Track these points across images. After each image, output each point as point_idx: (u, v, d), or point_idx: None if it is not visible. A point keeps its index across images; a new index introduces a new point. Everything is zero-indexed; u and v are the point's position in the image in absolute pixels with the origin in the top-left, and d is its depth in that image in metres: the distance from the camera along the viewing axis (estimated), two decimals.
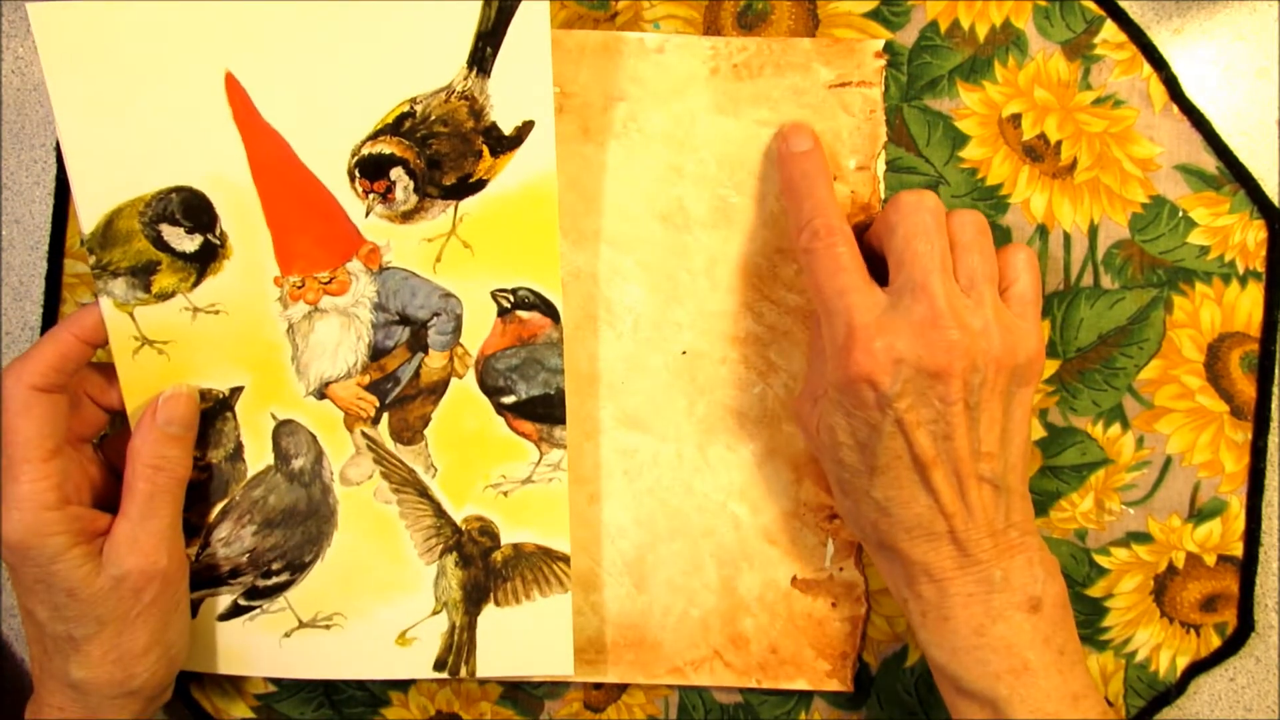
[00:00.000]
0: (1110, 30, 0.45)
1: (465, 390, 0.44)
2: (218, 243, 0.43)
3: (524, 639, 0.45)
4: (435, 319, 0.44)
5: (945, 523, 0.39)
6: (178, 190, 0.42)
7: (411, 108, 0.42)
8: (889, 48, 0.45)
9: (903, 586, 0.40)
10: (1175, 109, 0.45)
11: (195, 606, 0.45)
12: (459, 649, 0.45)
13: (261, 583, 0.45)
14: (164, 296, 0.43)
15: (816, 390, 0.42)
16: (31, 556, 0.39)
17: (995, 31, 0.45)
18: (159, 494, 0.41)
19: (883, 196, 0.45)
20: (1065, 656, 0.39)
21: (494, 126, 0.42)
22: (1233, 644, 0.47)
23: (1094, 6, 0.45)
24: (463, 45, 0.41)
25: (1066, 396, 0.46)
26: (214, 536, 0.45)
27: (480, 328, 0.44)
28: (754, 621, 0.47)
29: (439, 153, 0.42)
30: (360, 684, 0.48)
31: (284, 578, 0.45)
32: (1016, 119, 0.46)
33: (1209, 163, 0.45)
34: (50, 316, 0.47)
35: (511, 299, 0.44)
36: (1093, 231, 0.46)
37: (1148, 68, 0.45)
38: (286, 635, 0.46)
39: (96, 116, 0.41)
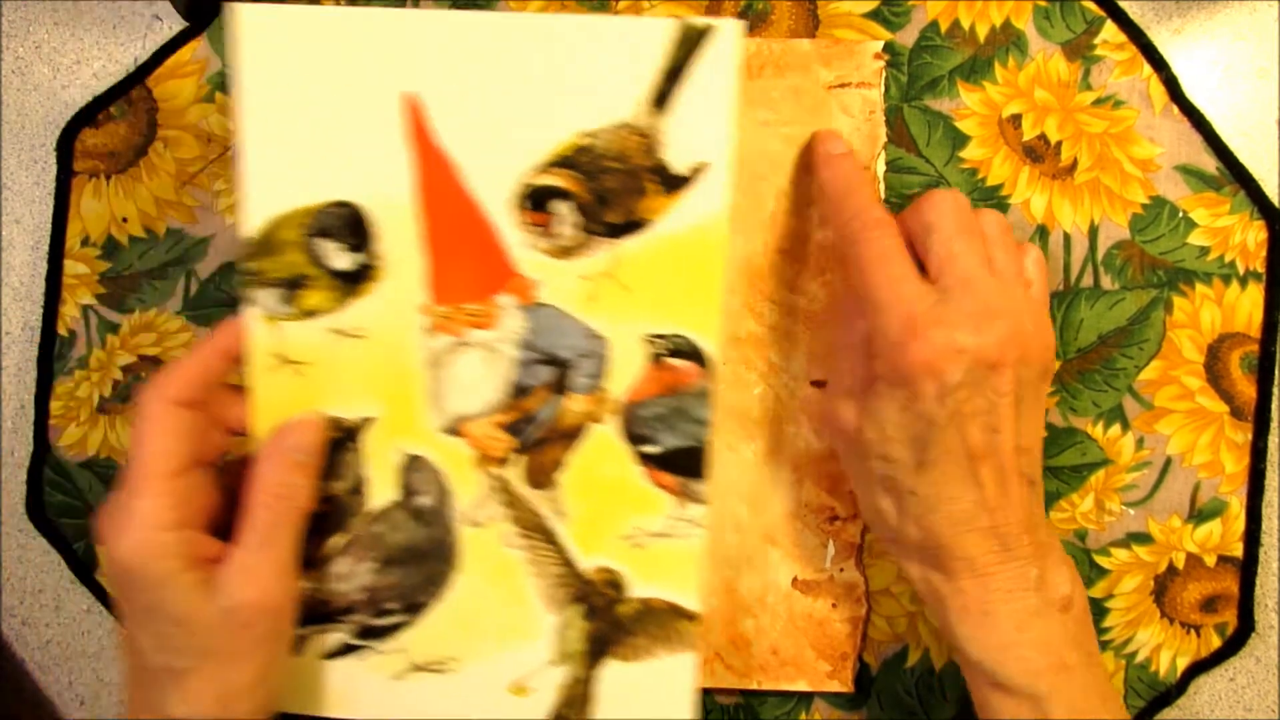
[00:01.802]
0: (1110, 31, 0.45)
1: (605, 437, 0.42)
2: (372, 264, 0.41)
3: (644, 696, 0.44)
4: (581, 361, 0.42)
5: (989, 517, 0.38)
6: (342, 205, 0.41)
7: (585, 141, 0.40)
8: (889, 48, 0.45)
9: (941, 583, 0.39)
10: (1175, 109, 0.45)
11: (300, 643, 0.43)
12: (576, 702, 0.44)
13: (375, 622, 0.43)
14: (310, 314, 0.41)
15: (854, 386, 0.40)
16: (142, 579, 0.37)
17: (995, 32, 0.46)
18: (280, 524, 0.39)
19: (883, 197, 0.45)
20: (1092, 658, 0.39)
21: (666, 165, 0.40)
22: (1233, 644, 0.47)
23: (1094, 7, 0.45)
24: (645, 80, 0.40)
25: (1066, 397, 0.46)
26: (329, 571, 0.43)
27: (627, 372, 0.42)
28: (754, 623, 0.47)
29: (607, 189, 0.41)
30: None
31: (399, 618, 0.43)
32: (1017, 119, 0.46)
33: (1209, 163, 0.46)
34: (50, 317, 0.47)
35: (664, 345, 0.42)
36: (1093, 232, 0.46)
37: (1148, 68, 0.45)
38: (396, 677, 0.43)
39: (279, 121, 0.40)
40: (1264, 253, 0.46)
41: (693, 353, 0.42)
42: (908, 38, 0.46)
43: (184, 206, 0.47)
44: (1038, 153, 0.46)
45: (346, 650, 0.43)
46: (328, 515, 0.42)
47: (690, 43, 0.39)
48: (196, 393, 0.39)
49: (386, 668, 0.43)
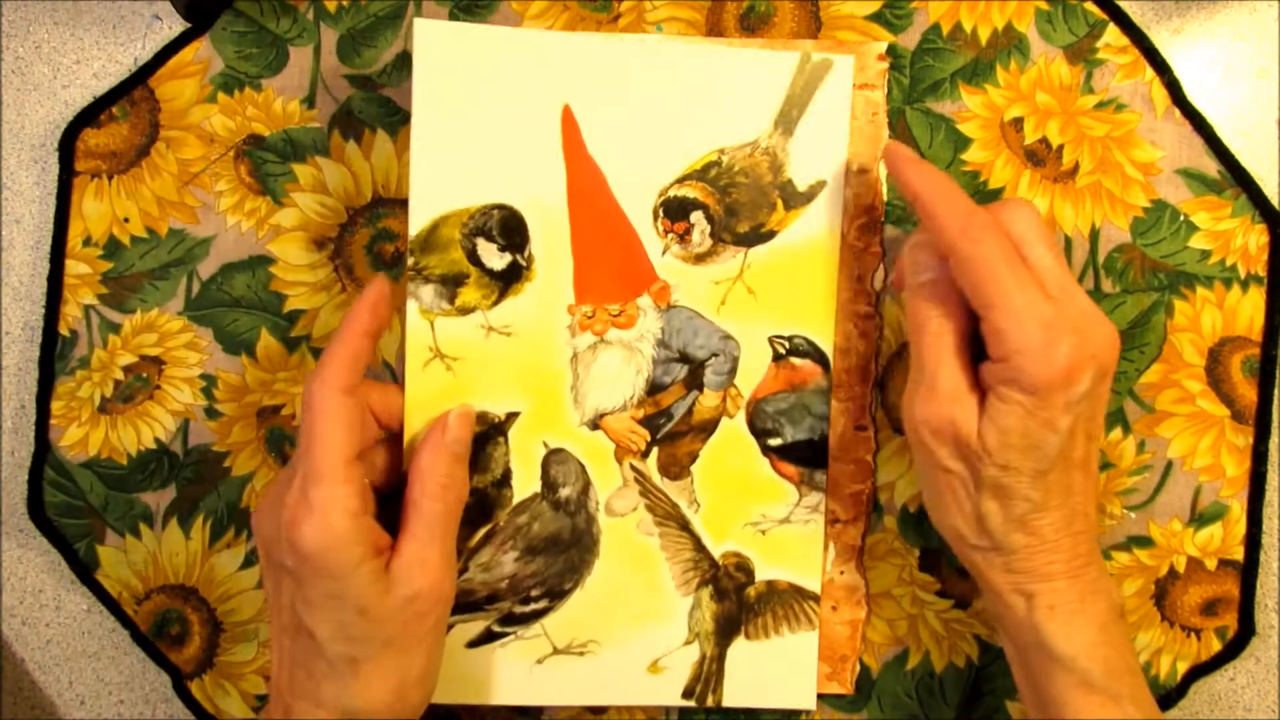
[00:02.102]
0: (1113, 34, 0.45)
1: (734, 430, 0.45)
2: (524, 264, 0.44)
3: (770, 672, 0.46)
4: (713, 359, 0.45)
5: (1084, 521, 0.39)
6: (499, 208, 0.44)
7: (719, 157, 0.44)
8: (891, 50, 0.45)
9: (1033, 583, 0.39)
10: (1177, 113, 0.45)
11: (446, 632, 0.44)
12: (708, 679, 0.46)
13: (519, 609, 0.45)
14: (465, 311, 0.44)
15: (956, 390, 0.39)
16: (328, 567, 0.37)
17: (997, 35, 0.46)
18: (448, 515, 0.41)
19: (885, 200, 0.45)
20: (1138, 664, 0.40)
21: (790, 183, 0.45)
22: (1233, 648, 0.47)
23: (1096, 10, 0.45)
24: (772, 106, 0.44)
25: None
26: (473, 561, 0.45)
27: (754, 371, 0.45)
28: None
29: (737, 202, 0.44)
30: None
31: (542, 605, 0.45)
32: (1019, 122, 0.46)
33: (1211, 167, 0.46)
34: (52, 317, 0.47)
35: (787, 345, 0.45)
36: (1094, 235, 0.46)
37: (1150, 71, 0.45)
38: (539, 662, 0.46)
39: (447, 128, 0.44)
40: (1265, 256, 0.46)
41: (812, 352, 0.45)
42: (909, 40, 0.46)
43: (186, 207, 0.47)
44: (1039, 156, 0.46)
45: (490, 637, 0.46)
46: (473, 507, 0.45)
47: (812, 73, 0.44)
48: (353, 377, 0.40)
49: (529, 653, 0.46)
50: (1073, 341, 0.37)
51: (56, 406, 0.47)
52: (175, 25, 0.48)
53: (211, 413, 0.47)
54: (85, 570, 0.48)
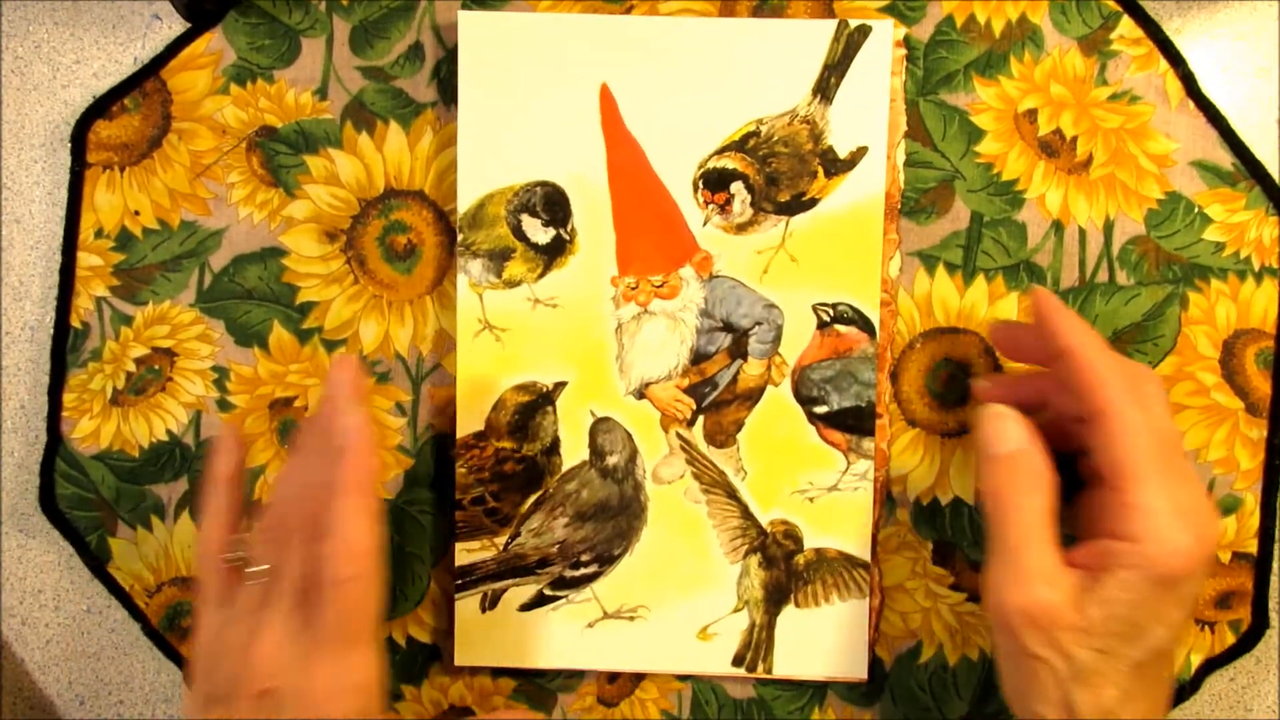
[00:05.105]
0: (1127, 26, 0.45)
1: (779, 398, 0.46)
2: (567, 238, 0.46)
3: (821, 640, 0.46)
4: (757, 328, 0.46)
5: (1164, 709, 0.38)
6: (542, 184, 0.45)
7: (757, 128, 0.45)
8: (905, 42, 0.45)
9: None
10: (1191, 105, 0.45)
11: (497, 598, 0.47)
12: (758, 646, 0.47)
13: (570, 573, 0.46)
14: (511, 284, 0.46)
15: (1055, 575, 0.37)
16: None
17: (1011, 26, 0.45)
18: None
19: (902, 187, 0.45)
20: None
21: (830, 150, 0.45)
22: (1247, 641, 0.47)
23: (1111, 2, 0.45)
24: (810, 74, 0.45)
25: None
26: (525, 527, 0.46)
27: (799, 339, 0.46)
28: None
29: (777, 171, 0.45)
30: None
31: (592, 569, 0.46)
32: (1033, 114, 0.46)
33: (1225, 159, 0.45)
34: (64, 309, 0.47)
35: (831, 313, 0.45)
36: (1108, 227, 0.46)
37: (1164, 63, 0.45)
38: (590, 625, 0.46)
39: (492, 111, 0.45)
40: (1279, 249, 0.46)
41: (857, 319, 0.45)
42: (923, 32, 0.46)
43: (198, 198, 0.47)
44: (1053, 148, 0.46)
45: (542, 601, 0.47)
46: (524, 474, 0.46)
47: (850, 40, 0.44)
48: (234, 522, 0.41)
49: (580, 616, 0.47)
50: (1202, 535, 0.36)
51: (68, 399, 0.47)
52: (175, 25, 0.48)
53: (224, 404, 0.47)
54: (98, 563, 0.48)
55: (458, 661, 0.47)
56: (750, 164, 0.45)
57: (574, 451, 0.46)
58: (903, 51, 0.45)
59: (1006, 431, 0.39)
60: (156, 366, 0.47)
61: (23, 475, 0.48)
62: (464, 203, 0.45)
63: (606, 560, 0.46)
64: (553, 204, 0.45)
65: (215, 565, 0.39)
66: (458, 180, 0.45)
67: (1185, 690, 0.47)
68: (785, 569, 0.46)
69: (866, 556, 0.46)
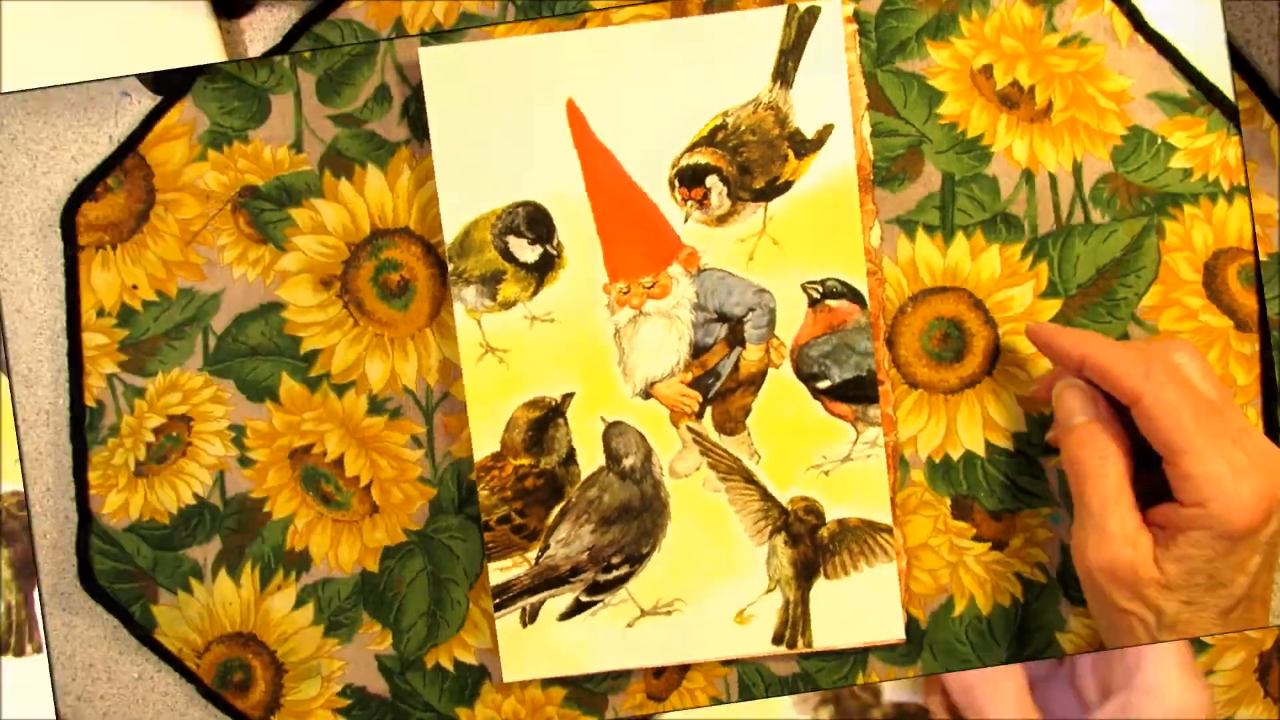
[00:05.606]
0: None
1: (782, 379, 0.47)
2: (555, 253, 0.47)
3: (856, 609, 0.47)
4: (751, 314, 0.47)
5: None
6: (523, 205, 0.47)
7: (724, 120, 0.46)
8: (855, 16, 0.46)
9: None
10: (1140, 39, 0.46)
11: (536, 611, 0.47)
12: (795, 622, 0.47)
13: (603, 577, 0.47)
14: (507, 305, 0.47)
15: (1135, 536, 0.40)
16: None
17: None
18: None
19: (872, 158, 0.46)
20: None
21: (797, 132, 0.46)
22: None
23: None
24: (767, 61, 0.46)
25: None
26: (553, 539, 0.47)
27: (793, 319, 0.47)
28: None
29: (749, 159, 0.46)
30: (426, 704, 0.49)
31: (624, 570, 0.47)
32: (988, 70, 0.47)
33: (1180, 87, 0.46)
34: (77, 390, 0.48)
35: (820, 289, 0.46)
36: (1077, 170, 0.47)
37: (1108, 3, 0.46)
38: (629, 625, 0.47)
39: (464, 141, 0.46)
40: (1245, 166, 0.46)
41: (846, 292, 0.46)
42: (871, 5, 0.46)
43: (191, 265, 0.48)
44: (1013, 99, 0.47)
45: (580, 608, 0.47)
46: (545, 488, 0.47)
47: (801, 23, 0.46)
48: None
49: (619, 617, 0.47)
50: (1263, 485, 0.38)
51: (93, 476, 0.48)
52: (144, 99, 0.48)
53: (245, 461, 0.48)
54: (144, 632, 0.49)
55: (506, 678, 0.48)
56: (722, 156, 0.46)
57: (590, 459, 0.47)
58: (854, 26, 0.46)
59: (1075, 405, 0.42)
60: (174, 434, 0.48)
61: (58, 556, 0.49)
62: (450, 233, 0.46)
63: (636, 560, 0.47)
64: (536, 222, 0.46)
65: None
66: (440, 212, 0.46)
67: None
68: (811, 543, 0.47)
69: (888, 520, 0.47)
